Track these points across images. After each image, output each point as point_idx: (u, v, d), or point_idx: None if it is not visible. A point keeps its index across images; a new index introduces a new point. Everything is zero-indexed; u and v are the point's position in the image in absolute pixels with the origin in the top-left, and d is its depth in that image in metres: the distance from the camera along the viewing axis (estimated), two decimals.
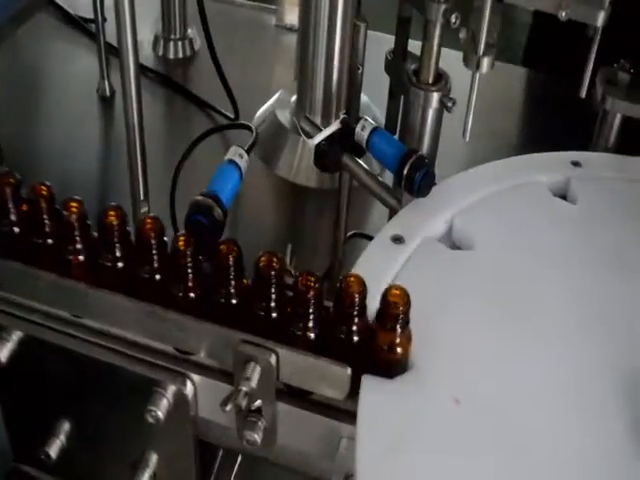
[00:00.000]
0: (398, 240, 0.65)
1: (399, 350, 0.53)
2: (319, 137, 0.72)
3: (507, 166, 0.75)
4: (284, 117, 1.04)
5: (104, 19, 1.12)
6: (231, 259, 0.54)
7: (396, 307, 0.52)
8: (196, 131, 0.98)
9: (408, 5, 0.76)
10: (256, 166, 1.01)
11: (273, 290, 0.53)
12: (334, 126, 0.73)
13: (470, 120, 0.66)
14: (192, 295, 0.56)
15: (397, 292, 0.52)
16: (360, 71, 0.73)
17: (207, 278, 0.56)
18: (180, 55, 1.18)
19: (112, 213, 0.56)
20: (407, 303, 0.52)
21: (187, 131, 1.04)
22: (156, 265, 0.56)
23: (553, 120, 1.13)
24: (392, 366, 0.53)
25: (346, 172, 0.75)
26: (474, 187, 0.70)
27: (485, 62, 0.65)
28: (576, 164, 0.76)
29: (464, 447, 0.52)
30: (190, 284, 0.56)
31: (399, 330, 0.52)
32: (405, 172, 0.66)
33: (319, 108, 1.01)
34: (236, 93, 1.11)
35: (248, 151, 0.66)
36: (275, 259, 0.53)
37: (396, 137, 0.78)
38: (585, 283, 0.65)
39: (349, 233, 0.86)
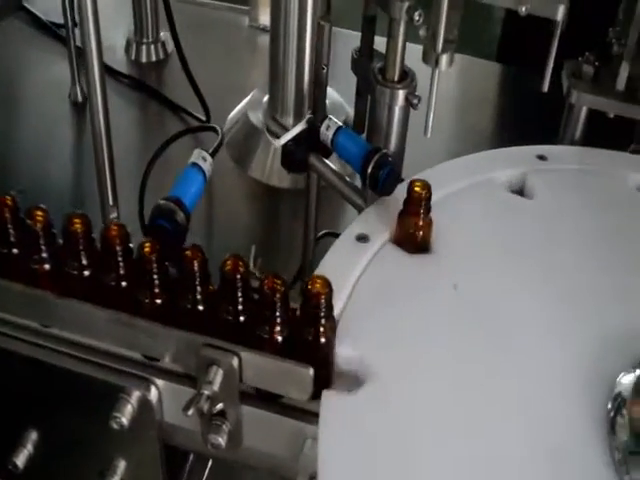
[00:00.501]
0: (363, 239, 0.65)
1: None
2: (285, 138, 0.73)
3: (472, 162, 0.75)
4: (256, 118, 1.04)
5: (75, 24, 1.12)
6: (195, 264, 0.54)
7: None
8: (169, 134, 0.98)
9: (373, 4, 0.76)
10: (229, 167, 1.01)
11: (238, 293, 0.53)
12: (300, 126, 0.73)
13: (431, 117, 0.66)
14: (157, 301, 0.56)
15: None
16: (325, 71, 0.73)
17: (172, 283, 0.56)
18: (153, 58, 1.18)
19: (76, 221, 0.56)
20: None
21: (160, 134, 1.03)
22: (121, 272, 0.56)
23: (527, 114, 1.14)
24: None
25: (313, 172, 0.75)
26: (438, 184, 0.70)
27: (444, 59, 0.65)
28: (542, 158, 0.76)
29: (423, 457, 0.53)
30: (155, 290, 0.56)
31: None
32: (369, 170, 0.66)
33: (291, 108, 1.00)
34: (210, 94, 1.11)
35: (213, 154, 0.66)
36: (240, 262, 0.53)
37: (364, 136, 0.78)
38: (543, 280, 0.65)
39: (320, 232, 0.87)
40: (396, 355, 0.58)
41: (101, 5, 1.25)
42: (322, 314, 0.52)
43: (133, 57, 1.18)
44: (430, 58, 0.65)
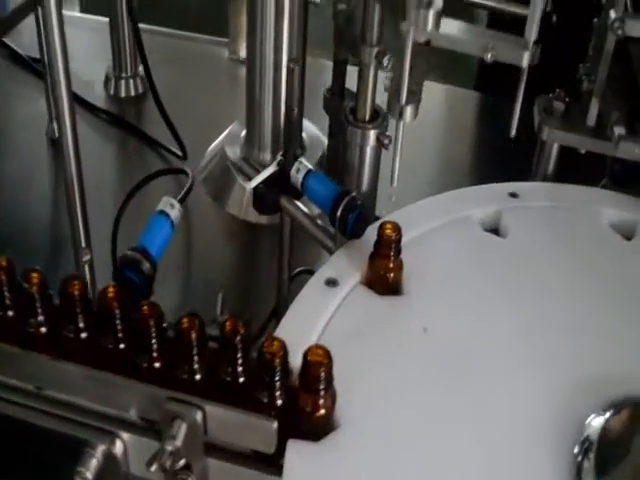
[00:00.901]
0: (332, 283, 0.65)
1: (322, 411, 0.52)
2: (256, 180, 0.73)
3: (443, 201, 0.75)
4: (233, 153, 1.04)
5: None
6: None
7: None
8: (147, 171, 0.98)
9: (343, 48, 0.77)
10: (206, 203, 1.01)
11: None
12: (271, 168, 0.73)
13: (397, 167, 0.65)
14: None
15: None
16: (295, 112, 0.73)
17: (135, 336, 0.56)
18: (132, 93, 1.18)
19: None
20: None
21: (138, 172, 1.03)
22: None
23: (505, 145, 1.14)
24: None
25: (285, 214, 0.75)
26: (411, 224, 0.70)
27: (408, 110, 0.65)
28: (513, 195, 0.76)
29: None
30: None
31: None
32: (338, 214, 0.67)
33: (268, 144, 1.01)
34: (190, 128, 1.11)
35: (181, 200, 0.66)
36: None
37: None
38: (515, 321, 0.65)
39: (297, 270, 0.86)
40: (365, 402, 0.57)
41: (80, 40, 1.27)
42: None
43: (112, 92, 1.18)
44: (394, 109, 0.65)
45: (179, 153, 1.05)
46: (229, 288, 0.93)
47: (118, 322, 0.55)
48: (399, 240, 0.64)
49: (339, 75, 0.79)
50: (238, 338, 0.53)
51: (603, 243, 0.74)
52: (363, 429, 0.56)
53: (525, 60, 0.65)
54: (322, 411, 0.53)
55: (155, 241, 0.61)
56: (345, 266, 0.66)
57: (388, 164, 0.74)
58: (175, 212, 0.64)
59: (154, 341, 0.54)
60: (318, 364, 0.52)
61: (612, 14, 0.72)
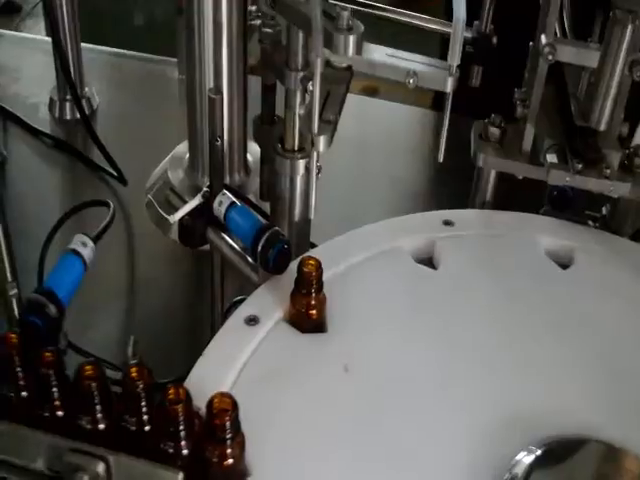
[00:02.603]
0: (253, 321, 0.64)
1: (230, 461, 0.51)
2: (180, 213, 0.71)
3: (377, 231, 0.73)
4: (176, 177, 1.02)
5: None
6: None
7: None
8: (88, 197, 0.96)
9: (270, 73, 0.75)
10: (150, 229, 0.99)
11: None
12: (196, 200, 0.71)
13: (314, 198, 0.63)
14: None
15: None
16: (219, 143, 0.71)
17: (38, 384, 0.54)
18: (77, 115, 1.16)
19: None
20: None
21: (79, 197, 1.02)
22: None
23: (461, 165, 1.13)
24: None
25: (212, 246, 0.74)
26: (334, 260, 0.68)
27: (321, 141, 0.63)
28: (448, 223, 0.75)
29: None
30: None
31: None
32: (259, 249, 0.65)
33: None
34: (137, 150, 1.09)
35: (97, 238, 0.64)
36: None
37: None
38: (443, 356, 0.63)
39: (235, 299, 0.84)
40: (279, 448, 0.56)
41: (28, 62, 1.25)
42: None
43: (57, 115, 1.16)
44: (305, 139, 0.63)
45: (116, 177, 1.04)
46: (168, 319, 0.91)
47: (19, 370, 0.53)
48: (320, 276, 0.62)
49: (268, 101, 0.77)
50: (141, 386, 0.51)
51: (539, 272, 0.73)
52: (275, 477, 0.54)
53: (449, 85, 0.64)
54: (230, 460, 0.51)
55: (64, 282, 0.59)
56: (267, 303, 0.65)
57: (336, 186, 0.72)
58: (87, 251, 0.62)
59: (54, 390, 0.52)
60: (223, 412, 0.50)
61: (543, 39, 0.71)
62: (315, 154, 0.61)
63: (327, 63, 0.65)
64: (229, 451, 0.51)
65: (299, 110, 0.70)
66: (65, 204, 1.02)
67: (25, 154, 1.11)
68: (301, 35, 0.68)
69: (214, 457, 0.51)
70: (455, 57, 0.63)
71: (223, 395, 0.50)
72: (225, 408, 0.50)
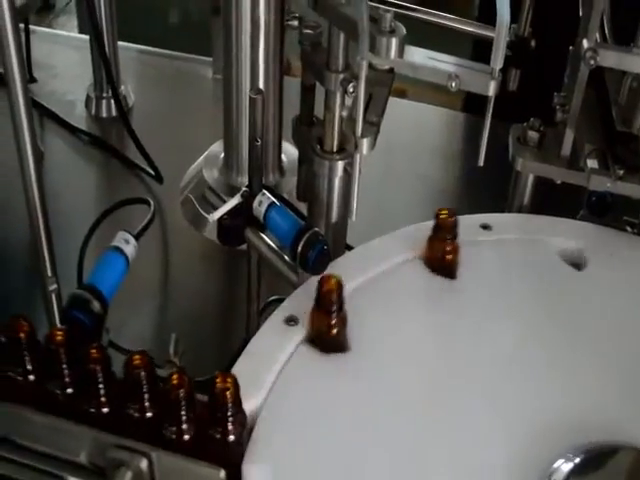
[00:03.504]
0: (292, 321, 0.64)
1: (231, 438, 0.52)
2: (219, 212, 0.71)
3: (405, 237, 0.73)
4: (211, 176, 1.02)
5: (33, 79, 1.11)
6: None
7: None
8: (124, 194, 0.96)
9: (310, 74, 0.75)
10: (184, 227, 1.00)
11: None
12: (235, 200, 0.72)
13: (355, 201, 0.63)
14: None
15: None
16: (259, 144, 0.72)
17: (83, 379, 0.55)
18: (113, 113, 1.17)
19: None
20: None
21: (116, 195, 1.02)
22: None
23: (494, 167, 1.12)
24: None
25: (250, 246, 0.74)
26: (367, 264, 0.68)
27: (364, 144, 0.63)
28: (486, 227, 0.75)
29: None
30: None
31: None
32: (299, 249, 0.65)
33: (246, 168, 0.99)
34: (172, 149, 1.10)
35: (138, 236, 0.64)
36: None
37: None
38: (474, 366, 0.63)
39: (270, 298, 0.85)
40: (308, 457, 0.55)
41: (63, 59, 1.26)
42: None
43: (93, 112, 1.17)
44: (349, 142, 0.63)
45: (151, 175, 1.04)
46: (203, 317, 0.92)
47: (65, 366, 0.54)
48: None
49: (307, 102, 0.77)
50: (182, 392, 0.51)
51: (571, 276, 0.72)
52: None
53: (491, 89, 0.63)
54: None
55: (107, 279, 0.60)
56: (305, 304, 0.65)
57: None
58: (130, 248, 0.63)
59: (101, 386, 0.53)
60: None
61: (585, 44, 0.70)
62: (358, 156, 0.61)
63: (369, 65, 0.65)
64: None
65: (339, 111, 0.70)
66: (101, 201, 1.03)
67: (62, 151, 1.12)
68: (342, 37, 0.68)
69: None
70: (498, 61, 0.63)
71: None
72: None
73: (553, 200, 0.82)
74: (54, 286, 0.79)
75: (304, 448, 0.56)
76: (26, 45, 1.12)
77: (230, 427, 0.52)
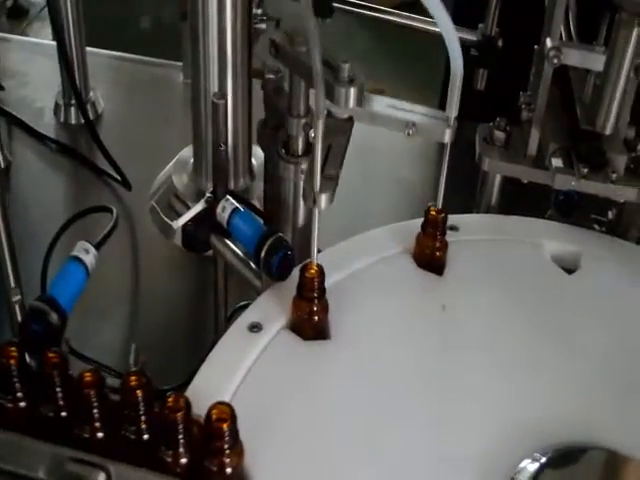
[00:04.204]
0: (255, 328, 0.63)
1: (228, 470, 0.50)
2: (183, 219, 0.70)
3: (379, 237, 0.73)
4: (181, 182, 1.01)
5: (0, 87, 1.10)
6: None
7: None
8: (92, 202, 0.95)
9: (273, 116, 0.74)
10: (154, 234, 0.99)
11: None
12: (199, 206, 0.71)
13: (315, 252, 0.62)
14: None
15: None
16: (224, 149, 0.71)
17: (37, 390, 0.54)
18: (82, 120, 1.15)
19: None
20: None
21: (82, 203, 1.01)
22: None
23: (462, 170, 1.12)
24: None
25: (215, 252, 0.73)
26: (338, 266, 0.68)
27: (323, 198, 0.60)
28: (453, 228, 0.74)
29: None
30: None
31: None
32: (262, 255, 0.64)
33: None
34: (142, 154, 1.09)
35: (99, 245, 0.64)
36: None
37: None
38: (449, 361, 0.63)
39: (239, 304, 0.84)
40: (278, 455, 0.55)
41: (34, 66, 1.25)
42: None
43: (62, 119, 1.16)
44: (308, 197, 0.60)
45: (120, 182, 1.03)
46: (172, 324, 0.91)
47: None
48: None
49: (271, 107, 0.76)
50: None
51: (544, 277, 0.72)
52: None
53: (447, 137, 0.63)
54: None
55: (66, 289, 0.59)
56: (270, 309, 0.64)
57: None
58: (90, 257, 0.62)
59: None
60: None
61: (548, 43, 0.70)
62: (317, 211, 0.60)
63: (328, 113, 0.64)
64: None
65: (301, 163, 0.70)
66: (69, 209, 1.02)
67: (30, 159, 1.10)
68: (303, 83, 0.68)
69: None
70: (453, 109, 0.62)
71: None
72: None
73: (522, 200, 0.82)
74: (18, 297, 0.78)
75: (281, 435, 0.56)
76: None
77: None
